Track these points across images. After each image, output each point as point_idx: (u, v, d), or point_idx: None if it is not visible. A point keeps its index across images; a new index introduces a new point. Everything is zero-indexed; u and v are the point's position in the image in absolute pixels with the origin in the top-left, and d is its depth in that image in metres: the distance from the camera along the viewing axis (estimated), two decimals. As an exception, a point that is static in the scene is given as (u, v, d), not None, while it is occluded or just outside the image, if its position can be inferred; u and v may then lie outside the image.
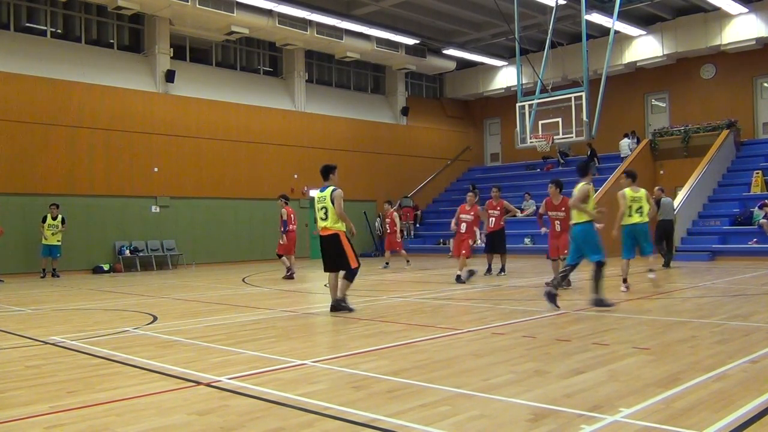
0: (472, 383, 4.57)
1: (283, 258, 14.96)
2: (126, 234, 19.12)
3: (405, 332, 6.92)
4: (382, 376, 4.85)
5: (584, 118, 15.38)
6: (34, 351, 6.37)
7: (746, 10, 21.06)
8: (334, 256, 8.49)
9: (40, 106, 17.82)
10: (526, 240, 21.88)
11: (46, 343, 6.75)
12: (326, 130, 24.31)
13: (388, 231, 17.66)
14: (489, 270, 14.15)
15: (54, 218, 16.73)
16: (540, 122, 16.67)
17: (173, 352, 6.14)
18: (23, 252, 17.28)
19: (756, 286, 10.72)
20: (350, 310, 8.51)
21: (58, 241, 16.79)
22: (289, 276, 14.61)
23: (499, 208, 14.05)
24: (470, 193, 14.07)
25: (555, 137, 16.34)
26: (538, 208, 23.17)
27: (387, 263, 17.39)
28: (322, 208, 8.46)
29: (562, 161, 25.91)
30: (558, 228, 11.24)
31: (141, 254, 19.13)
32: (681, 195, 19.48)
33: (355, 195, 24.77)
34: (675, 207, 18.85)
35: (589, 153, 24.13)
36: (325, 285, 8.48)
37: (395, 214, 17.50)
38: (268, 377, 4.97)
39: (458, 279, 12.46)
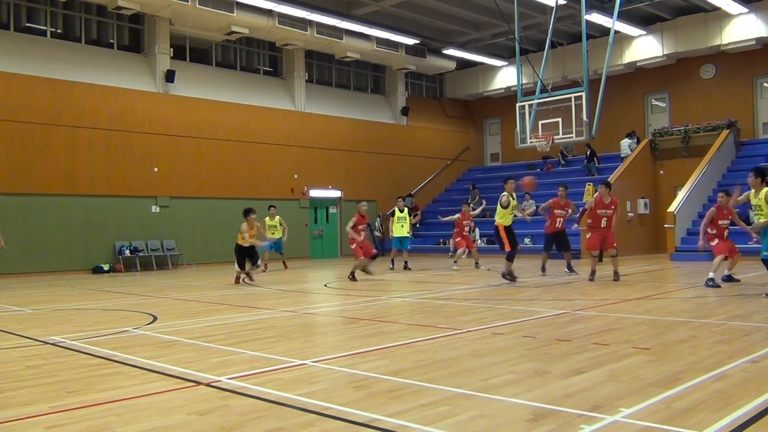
0: (472, 383, 4.56)
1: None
2: (126, 234, 19.12)
3: (405, 332, 6.91)
4: (382, 376, 4.85)
5: (584, 118, 15.35)
6: (34, 351, 6.37)
7: (746, 10, 21.05)
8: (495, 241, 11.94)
9: (40, 106, 17.82)
10: (526, 240, 21.88)
11: (46, 343, 6.75)
12: (326, 130, 24.31)
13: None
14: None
15: (272, 218, 17.49)
16: (540, 122, 16.64)
17: (173, 352, 6.13)
18: (23, 252, 17.29)
19: (756, 286, 10.71)
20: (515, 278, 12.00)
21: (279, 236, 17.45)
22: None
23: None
24: (468, 199, 14.28)
25: (555, 137, 16.31)
26: (537, 207, 23.30)
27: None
28: None
29: (562, 162, 25.91)
30: (603, 224, 12.85)
31: (141, 254, 19.13)
32: (681, 195, 19.46)
33: (355, 195, 24.79)
34: (675, 207, 18.90)
35: (588, 153, 24.14)
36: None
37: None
38: (268, 377, 4.96)
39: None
